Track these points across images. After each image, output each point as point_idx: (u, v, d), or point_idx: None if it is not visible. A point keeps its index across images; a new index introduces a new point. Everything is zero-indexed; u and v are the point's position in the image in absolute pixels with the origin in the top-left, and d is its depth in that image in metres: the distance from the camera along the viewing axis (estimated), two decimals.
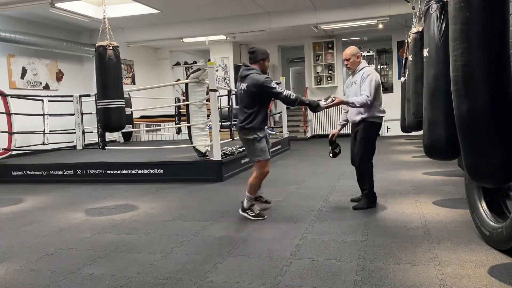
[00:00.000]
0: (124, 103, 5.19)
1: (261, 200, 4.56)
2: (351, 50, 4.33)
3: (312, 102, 4.06)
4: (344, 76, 13.44)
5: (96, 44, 4.98)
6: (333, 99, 4.04)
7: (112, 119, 5.08)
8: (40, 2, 7.29)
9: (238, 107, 4.12)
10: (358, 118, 4.23)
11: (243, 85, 4.03)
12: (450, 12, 2.42)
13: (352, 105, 4.15)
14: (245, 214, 4.14)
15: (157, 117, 11.54)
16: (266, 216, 4.12)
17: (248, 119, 4.01)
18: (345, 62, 4.37)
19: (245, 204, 4.17)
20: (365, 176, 4.33)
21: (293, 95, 3.97)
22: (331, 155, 4.59)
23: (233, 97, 8.53)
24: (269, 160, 4.16)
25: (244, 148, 4.44)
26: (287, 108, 11.67)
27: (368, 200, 4.36)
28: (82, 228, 4.19)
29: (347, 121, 4.51)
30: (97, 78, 5.09)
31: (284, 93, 3.93)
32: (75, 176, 6.96)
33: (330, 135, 4.58)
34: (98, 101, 5.12)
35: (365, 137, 4.24)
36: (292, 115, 13.27)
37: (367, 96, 4.08)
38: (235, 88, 4.22)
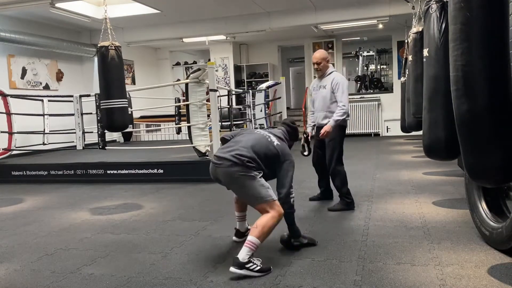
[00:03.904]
0: (127, 103, 5.21)
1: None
2: (321, 53, 4.39)
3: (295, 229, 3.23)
4: (344, 75, 13.44)
5: (98, 45, 4.98)
6: (307, 137, 4.12)
7: (116, 119, 5.09)
8: (40, 2, 7.30)
9: (243, 133, 3.22)
10: (325, 121, 4.29)
11: (274, 139, 3.16)
12: (450, 12, 2.41)
13: (338, 121, 4.21)
14: (244, 272, 2.76)
15: (157, 117, 11.55)
16: (272, 269, 2.87)
17: (254, 161, 2.97)
18: (315, 66, 4.43)
19: (243, 254, 2.79)
20: (339, 178, 4.33)
21: (292, 194, 3.10)
22: (305, 153, 4.25)
23: (233, 97, 8.53)
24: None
25: (229, 186, 3.11)
26: (287, 109, 11.68)
27: (345, 202, 4.33)
28: (82, 228, 4.19)
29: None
30: (100, 79, 5.09)
31: (291, 186, 3.09)
32: (75, 176, 6.96)
33: (307, 136, 4.27)
34: (101, 102, 5.13)
35: (336, 139, 4.28)
36: (292, 115, 13.27)
37: (345, 106, 4.22)
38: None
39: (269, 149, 3.07)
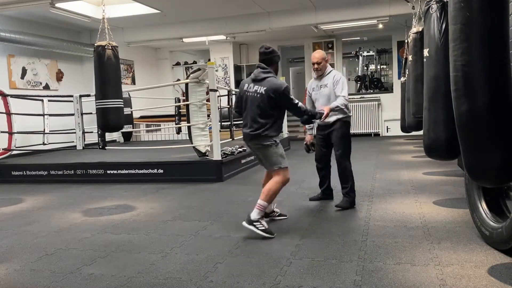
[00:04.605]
0: (122, 103, 5.18)
1: (275, 215, 4.09)
2: (320, 53, 4.45)
3: (315, 113, 4.03)
4: (344, 75, 13.44)
5: (95, 44, 4.98)
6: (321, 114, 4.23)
7: (110, 119, 5.08)
8: (40, 2, 7.30)
9: (243, 106, 3.79)
10: (332, 119, 4.35)
11: (260, 89, 3.65)
12: (450, 12, 2.42)
13: (337, 108, 4.29)
14: (252, 228, 3.50)
15: (157, 117, 11.55)
16: (275, 234, 3.55)
17: (264, 127, 3.64)
18: (315, 66, 4.44)
19: (254, 215, 3.53)
20: (346, 174, 4.43)
21: (303, 107, 3.84)
22: (310, 152, 4.70)
23: (233, 97, 8.52)
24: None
25: (255, 155, 3.97)
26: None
27: (350, 198, 4.42)
28: (82, 228, 4.19)
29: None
30: (96, 78, 5.09)
31: (299, 105, 3.75)
32: (75, 176, 6.96)
33: (308, 142, 4.68)
34: (96, 101, 5.11)
35: (344, 135, 4.41)
36: (292, 115, 13.27)
37: (345, 98, 4.33)
38: (239, 89, 3.92)
39: (265, 103, 3.62)
